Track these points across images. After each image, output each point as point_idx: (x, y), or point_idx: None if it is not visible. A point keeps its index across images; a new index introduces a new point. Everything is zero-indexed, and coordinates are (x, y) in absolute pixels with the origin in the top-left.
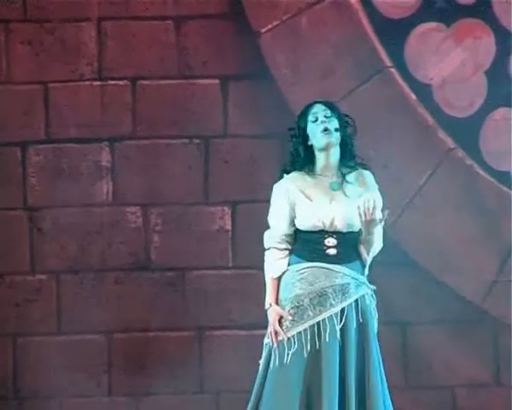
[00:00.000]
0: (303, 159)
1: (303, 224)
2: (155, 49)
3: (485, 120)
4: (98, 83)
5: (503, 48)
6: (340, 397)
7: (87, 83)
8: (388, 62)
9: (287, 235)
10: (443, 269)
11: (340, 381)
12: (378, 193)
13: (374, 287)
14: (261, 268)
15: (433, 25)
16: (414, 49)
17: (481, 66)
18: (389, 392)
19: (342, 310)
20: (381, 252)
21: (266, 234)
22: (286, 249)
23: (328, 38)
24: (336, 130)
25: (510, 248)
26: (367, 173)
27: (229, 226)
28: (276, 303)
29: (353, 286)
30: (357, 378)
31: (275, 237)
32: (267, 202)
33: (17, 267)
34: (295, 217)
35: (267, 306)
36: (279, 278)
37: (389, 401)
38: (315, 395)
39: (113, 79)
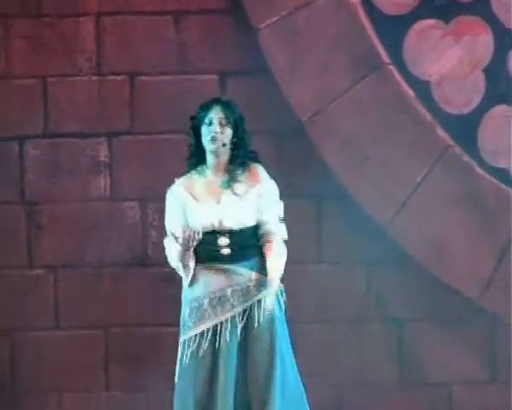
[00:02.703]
0: (196, 155)
1: (194, 225)
2: (154, 45)
3: (483, 117)
4: (96, 78)
5: (502, 45)
6: (237, 397)
7: (85, 78)
8: (386, 59)
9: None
10: (440, 266)
11: (238, 381)
12: (271, 184)
13: (281, 284)
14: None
15: (431, 22)
16: (412, 46)
17: (480, 63)
18: (384, 389)
19: (245, 310)
20: (377, 249)
21: (165, 242)
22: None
23: (327, 34)
24: (224, 145)
25: (508, 245)
26: (257, 167)
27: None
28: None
29: (253, 288)
30: (258, 380)
31: (171, 240)
32: None
33: (15, 262)
34: (188, 219)
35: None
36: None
37: (301, 396)
38: (210, 396)
39: (111, 73)
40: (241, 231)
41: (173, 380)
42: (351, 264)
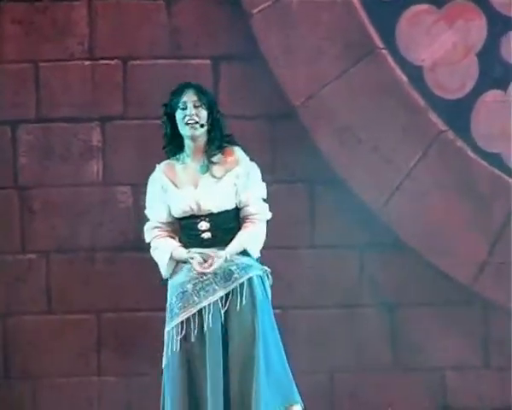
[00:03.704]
0: (172, 142)
1: (174, 211)
2: (147, 29)
3: (476, 102)
4: (89, 62)
5: (495, 30)
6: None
7: (78, 62)
8: (380, 44)
9: (165, 223)
10: (433, 251)
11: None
12: (251, 165)
13: (266, 268)
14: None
15: (424, 6)
16: (405, 31)
17: (473, 48)
18: (377, 374)
19: (227, 294)
20: (371, 234)
21: (145, 227)
22: (168, 237)
23: (320, 19)
24: (202, 126)
25: (501, 230)
26: (235, 149)
27: None
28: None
29: (236, 270)
30: (240, 363)
31: (153, 226)
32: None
33: (7, 246)
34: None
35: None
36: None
37: (287, 380)
38: (199, 381)
39: (104, 58)
40: (221, 214)
41: None
42: (344, 249)
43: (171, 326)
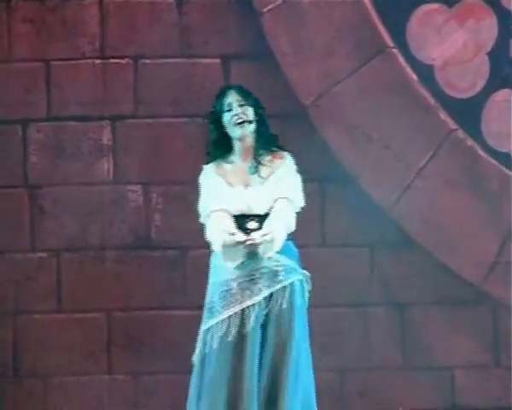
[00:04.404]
0: (220, 146)
1: (226, 209)
2: (157, 28)
3: (486, 101)
4: (100, 61)
5: (506, 29)
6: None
7: (89, 61)
8: (390, 43)
9: (222, 209)
10: (443, 250)
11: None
12: (292, 168)
13: (306, 273)
14: None
15: (435, 6)
16: (416, 30)
17: (483, 47)
18: (387, 373)
19: (270, 295)
20: (381, 232)
21: (201, 212)
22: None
23: (330, 18)
24: (250, 122)
25: (511, 230)
26: (282, 153)
27: None
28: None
29: (282, 272)
30: (273, 365)
31: (208, 210)
32: None
33: (17, 245)
34: None
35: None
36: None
37: (311, 391)
38: (237, 379)
39: (114, 57)
40: (268, 214)
41: (175, 363)
42: (354, 247)
43: (210, 324)
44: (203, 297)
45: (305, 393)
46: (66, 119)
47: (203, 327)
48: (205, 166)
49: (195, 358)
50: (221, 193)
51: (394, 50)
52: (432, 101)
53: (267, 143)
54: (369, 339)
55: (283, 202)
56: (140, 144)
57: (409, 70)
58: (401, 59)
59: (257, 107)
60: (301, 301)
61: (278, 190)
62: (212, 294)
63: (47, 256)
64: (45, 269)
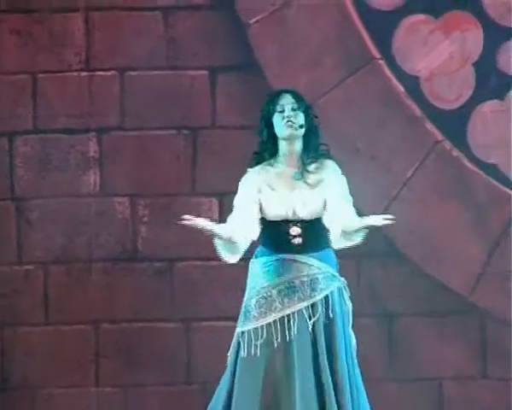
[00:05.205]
0: (267, 148)
1: (268, 213)
2: (143, 40)
3: (472, 112)
4: (86, 73)
5: (491, 40)
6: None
7: (75, 73)
8: (376, 54)
9: (248, 218)
10: (430, 261)
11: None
12: (341, 176)
13: (343, 280)
14: (248, 259)
15: (421, 17)
16: (402, 41)
17: (469, 58)
18: (374, 384)
19: (313, 304)
20: (368, 243)
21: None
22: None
23: (317, 30)
24: (301, 126)
25: (498, 240)
26: (328, 161)
27: (216, 217)
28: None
29: (322, 280)
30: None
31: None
32: None
33: (4, 257)
34: (261, 206)
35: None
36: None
37: (363, 395)
38: (284, 387)
39: (101, 69)
40: (313, 221)
41: (163, 375)
42: (341, 259)
43: (245, 328)
44: (190, 309)
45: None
46: (52, 131)
47: (238, 330)
48: (249, 170)
49: (228, 359)
50: (246, 205)
51: (380, 62)
52: (418, 112)
53: (314, 150)
54: (358, 350)
55: (348, 204)
56: (126, 156)
57: (395, 81)
58: (387, 70)
59: (308, 114)
60: (341, 309)
61: (334, 195)
62: (250, 298)
63: (34, 268)
64: (32, 281)
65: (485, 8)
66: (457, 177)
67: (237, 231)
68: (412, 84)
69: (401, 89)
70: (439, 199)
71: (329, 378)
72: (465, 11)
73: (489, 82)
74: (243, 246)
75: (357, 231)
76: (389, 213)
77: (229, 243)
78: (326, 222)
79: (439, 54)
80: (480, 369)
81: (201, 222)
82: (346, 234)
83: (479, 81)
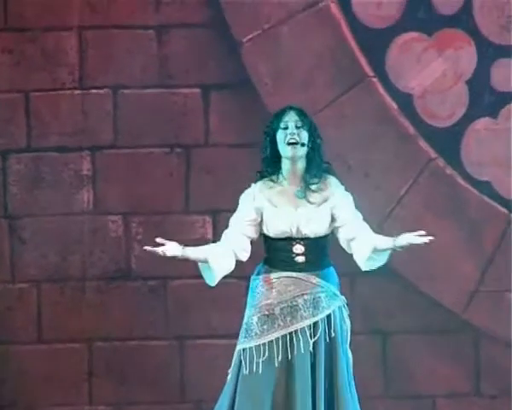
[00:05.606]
0: (271, 164)
1: (270, 230)
2: (136, 58)
3: (466, 129)
4: (79, 91)
5: (485, 58)
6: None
7: (68, 92)
8: (370, 72)
9: (243, 234)
10: (424, 278)
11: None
12: (346, 192)
13: (343, 298)
14: (242, 277)
15: (414, 35)
16: (395, 59)
17: (463, 76)
18: (368, 401)
19: (315, 323)
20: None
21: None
22: (233, 243)
23: (310, 48)
24: (303, 145)
25: (491, 258)
26: (330, 178)
27: (210, 235)
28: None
29: (325, 299)
30: (326, 392)
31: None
32: None
33: None
34: (262, 223)
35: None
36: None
37: None
38: (285, 406)
39: (94, 87)
40: (316, 239)
41: (156, 393)
42: None
43: (247, 345)
44: (184, 327)
45: None
46: (45, 149)
47: (238, 347)
48: (252, 185)
49: (229, 376)
50: (241, 224)
51: (374, 79)
52: (411, 129)
53: (317, 169)
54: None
55: (363, 223)
56: (120, 174)
57: (388, 99)
58: (381, 88)
59: (312, 133)
60: (341, 328)
61: (346, 216)
62: (251, 315)
63: (27, 287)
64: (26, 299)
65: (479, 26)
66: (451, 194)
67: (225, 248)
68: (405, 101)
69: (394, 106)
70: (432, 217)
71: (323, 399)
72: (458, 29)
73: (482, 100)
74: (230, 263)
75: (385, 250)
76: (384, 231)
77: (206, 266)
78: (343, 244)
79: (432, 71)
80: (473, 386)
81: (163, 248)
82: (374, 254)
83: (472, 99)
